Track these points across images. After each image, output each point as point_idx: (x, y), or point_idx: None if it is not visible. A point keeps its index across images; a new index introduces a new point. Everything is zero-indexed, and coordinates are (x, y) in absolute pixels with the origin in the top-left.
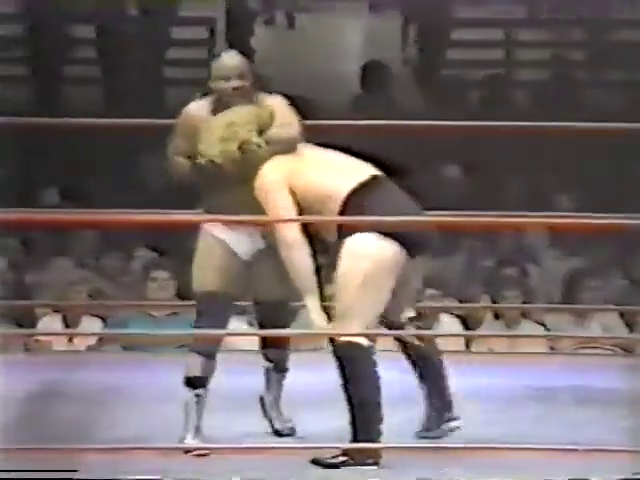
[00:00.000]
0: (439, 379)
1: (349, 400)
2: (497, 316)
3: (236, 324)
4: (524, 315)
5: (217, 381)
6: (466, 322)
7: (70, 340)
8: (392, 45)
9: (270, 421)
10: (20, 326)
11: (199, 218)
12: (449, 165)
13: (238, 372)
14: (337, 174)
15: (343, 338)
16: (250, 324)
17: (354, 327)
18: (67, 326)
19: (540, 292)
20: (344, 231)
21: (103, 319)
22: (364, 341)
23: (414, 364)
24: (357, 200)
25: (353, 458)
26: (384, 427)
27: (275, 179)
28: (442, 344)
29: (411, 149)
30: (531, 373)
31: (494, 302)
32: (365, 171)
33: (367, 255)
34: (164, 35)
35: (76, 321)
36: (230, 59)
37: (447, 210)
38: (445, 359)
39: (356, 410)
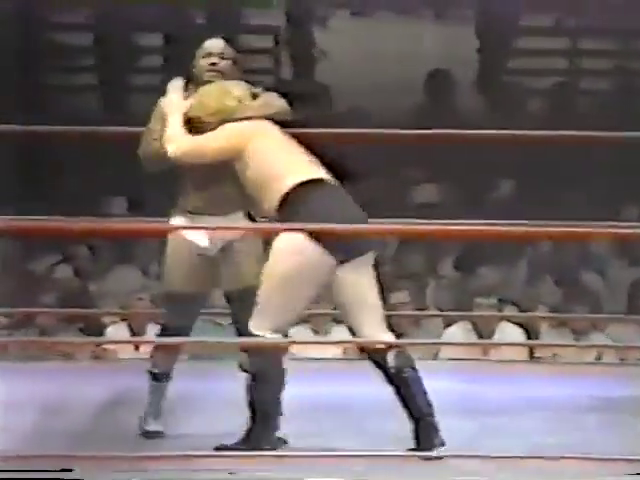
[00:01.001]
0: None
1: (250, 387)
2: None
3: (302, 332)
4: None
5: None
6: (528, 331)
7: (136, 348)
8: (457, 53)
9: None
10: (87, 334)
11: (258, 227)
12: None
13: (307, 380)
14: (294, 163)
15: (257, 332)
16: (315, 332)
17: (267, 324)
18: (133, 334)
19: (605, 302)
20: (283, 221)
21: None
22: (277, 338)
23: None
24: (298, 193)
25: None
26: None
27: (243, 128)
28: (506, 354)
29: (472, 158)
30: (597, 383)
31: (556, 312)
32: (317, 171)
33: (290, 256)
34: (229, 43)
35: (142, 329)
36: (213, 41)
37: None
38: (508, 368)
39: (258, 399)
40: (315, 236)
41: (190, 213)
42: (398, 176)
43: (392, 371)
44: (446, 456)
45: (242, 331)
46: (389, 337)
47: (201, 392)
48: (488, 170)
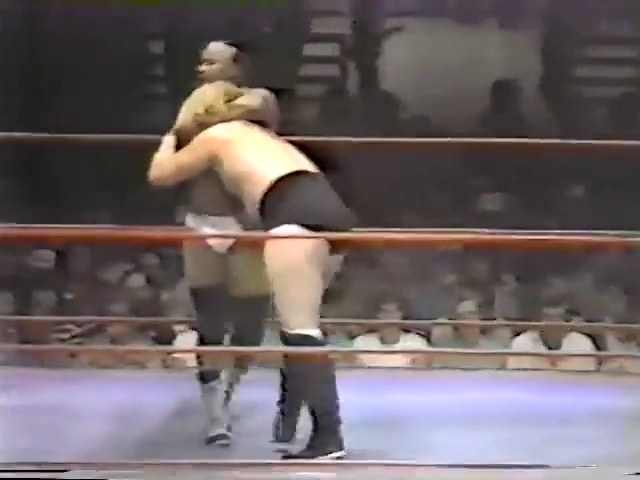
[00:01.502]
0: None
1: (304, 393)
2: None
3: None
4: None
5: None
6: (596, 341)
7: None
8: (522, 62)
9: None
10: (158, 343)
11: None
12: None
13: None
14: (271, 159)
15: (294, 331)
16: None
17: (302, 322)
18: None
19: None
20: (266, 218)
21: None
22: (316, 333)
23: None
24: (279, 188)
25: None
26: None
27: (212, 135)
28: (573, 364)
29: (537, 166)
30: None
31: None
32: (299, 164)
33: (291, 248)
34: (297, 52)
35: None
36: (208, 47)
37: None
38: (575, 378)
39: (315, 402)
40: (306, 226)
41: (199, 213)
42: (463, 184)
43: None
44: (511, 466)
45: (239, 336)
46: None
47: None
48: (554, 177)
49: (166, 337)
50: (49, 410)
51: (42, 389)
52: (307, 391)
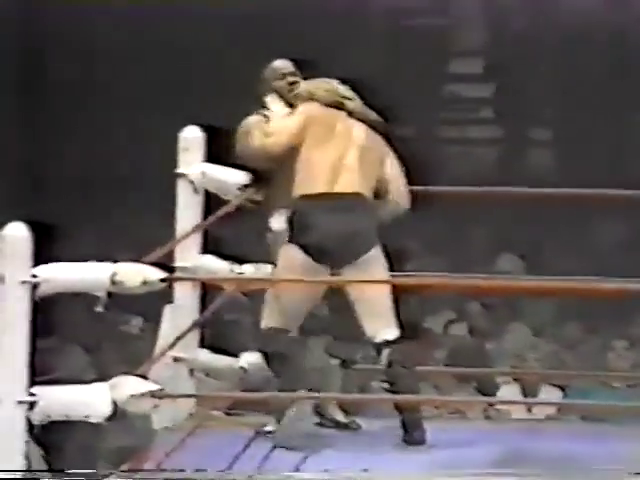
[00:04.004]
0: None
1: None
2: None
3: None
4: None
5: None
6: None
7: (529, 409)
8: None
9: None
10: (481, 393)
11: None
12: None
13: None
14: (316, 170)
15: (266, 324)
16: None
17: (274, 322)
18: (526, 395)
19: None
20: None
21: (562, 389)
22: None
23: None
24: (301, 205)
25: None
26: None
27: (309, 112)
28: None
29: None
30: None
31: None
32: (334, 184)
33: (283, 270)
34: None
35: (535, 390)
36: (279, 62)
37: None
38: None
39: None
40: (306, 249)
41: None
42: None
43: (383, 366)
44: None
45: None
46: (392, 332)
47: (594, 454)
48: None
49: (489, 388)
50: None
51: None
52: None
